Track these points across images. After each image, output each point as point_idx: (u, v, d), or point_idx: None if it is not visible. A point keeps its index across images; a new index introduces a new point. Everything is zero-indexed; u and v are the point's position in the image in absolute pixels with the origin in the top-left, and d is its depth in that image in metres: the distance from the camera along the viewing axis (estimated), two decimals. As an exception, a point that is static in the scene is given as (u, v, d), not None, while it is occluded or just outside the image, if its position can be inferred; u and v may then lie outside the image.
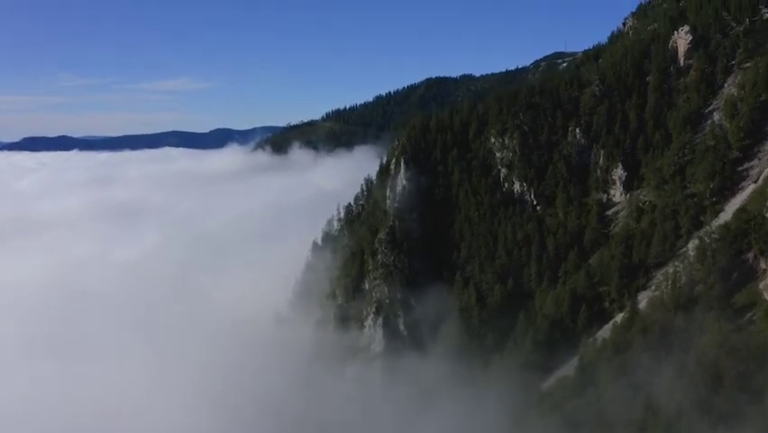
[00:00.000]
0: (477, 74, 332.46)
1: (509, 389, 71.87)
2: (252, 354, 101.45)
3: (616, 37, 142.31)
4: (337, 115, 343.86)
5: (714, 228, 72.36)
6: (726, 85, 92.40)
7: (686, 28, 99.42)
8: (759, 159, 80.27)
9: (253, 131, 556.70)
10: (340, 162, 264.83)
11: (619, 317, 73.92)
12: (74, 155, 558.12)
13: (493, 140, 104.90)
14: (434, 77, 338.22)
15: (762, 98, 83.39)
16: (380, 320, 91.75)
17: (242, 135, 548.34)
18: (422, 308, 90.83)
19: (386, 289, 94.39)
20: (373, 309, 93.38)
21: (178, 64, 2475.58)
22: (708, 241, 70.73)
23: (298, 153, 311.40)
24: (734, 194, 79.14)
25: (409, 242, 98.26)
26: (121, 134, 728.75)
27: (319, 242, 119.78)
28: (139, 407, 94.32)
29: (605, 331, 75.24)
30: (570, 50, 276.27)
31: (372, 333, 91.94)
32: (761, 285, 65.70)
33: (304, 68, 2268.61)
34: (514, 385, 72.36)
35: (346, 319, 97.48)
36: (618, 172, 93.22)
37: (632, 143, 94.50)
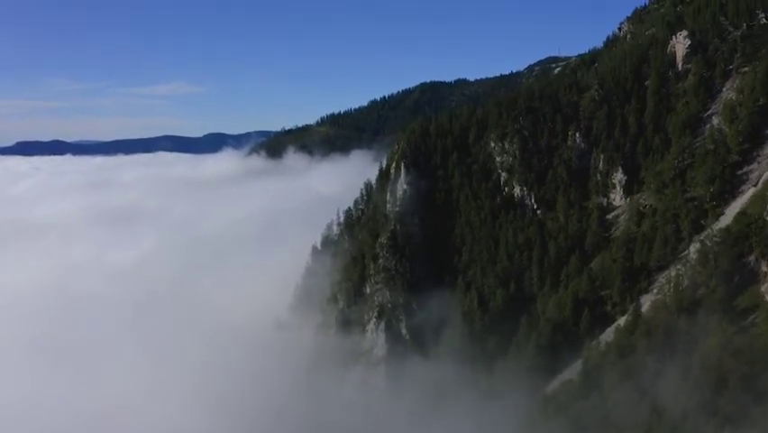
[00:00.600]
0: (471, 79, 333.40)
1: (514, 392, 72.15)
2: (253, 357, 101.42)
3: (612, 41, 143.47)
4: (332, 120, 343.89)
5: (715, 232, 72.77)
6: (724, 89, 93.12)
7: (684, 33, 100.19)
8: (758, 162, 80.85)
9: (247, 135, 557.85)
10: (336, 167, 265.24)
11: (622, 321, 74.34)
12: (68, 159, 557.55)
13: (493, 144, 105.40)
14: (428, 81, 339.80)
15: (760, 102, 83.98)
16: (383, 324, 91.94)
17: (235, 140, 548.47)
18: (424, 313, 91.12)
19: (388, 293, 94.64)
20: (375, 314, 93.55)
21: (171, 69, 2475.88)
22: (709, 244, 71.12)
23: (293, 158, 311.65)
24: (734, 197, 79.66)
25: (410, 246, 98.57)
26: (114, 139, 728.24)
27: (319, 246, 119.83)
28: (137, 411, 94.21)
29: (607, 334, 75.64)
30: (564, 54, 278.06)
31: (375, 337, 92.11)
32: (763, 288, 66.08)
33: (298, 72, 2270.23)
34: (518, 389, 72.61)
35: (348, 324, 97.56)
36: (618, 176, 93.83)
37: (632, 148, 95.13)
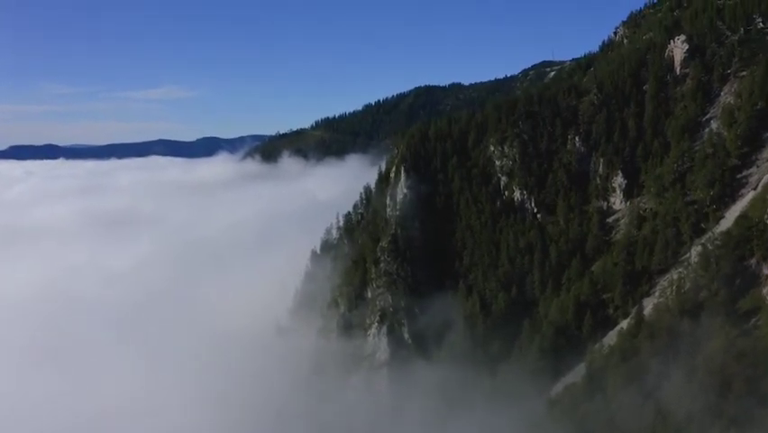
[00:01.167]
0: (466, 83, 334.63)
1: (518, 396, 72.41)
2: (253, 360, 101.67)
3: (608, 46, 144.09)
4: (326, 124, 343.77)
5: (716, 235, 73.38)
6: (722, 93, 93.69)
7: (682, 37, 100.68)
8: (757, 166, 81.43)
9: (241, 139, 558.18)
10: (332, 171, 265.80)
11: (624, 324, 74.70)
12: (61, 164, 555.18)
13: (492, 148, 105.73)
14: (422, 85, 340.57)
15: (758, 107, 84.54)
16: (385, 329, 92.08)
17: (229, 144, 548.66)
18: (426, 317, 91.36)
19: (389, 297, 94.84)
20: (377, 318, 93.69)
21: (164, 73, 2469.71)
22: (710, 247, 71.72)
23: (288, 162, 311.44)
24: (734, 201, 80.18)
25: (411, 250, 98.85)
26: (107, 143, 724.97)
27: (318, 250, 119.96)
28: (136, 413, 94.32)
29: (610, 338, 76.07)
30: (558, 58, 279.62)
31: (377, 341, 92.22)
32: (764, 291, 66.59)
33: (292, 76, 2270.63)
34: (522, 392, 72.92)
35: (349, 328, 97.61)
36: (618, 180, 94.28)
37: (631, 151, 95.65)
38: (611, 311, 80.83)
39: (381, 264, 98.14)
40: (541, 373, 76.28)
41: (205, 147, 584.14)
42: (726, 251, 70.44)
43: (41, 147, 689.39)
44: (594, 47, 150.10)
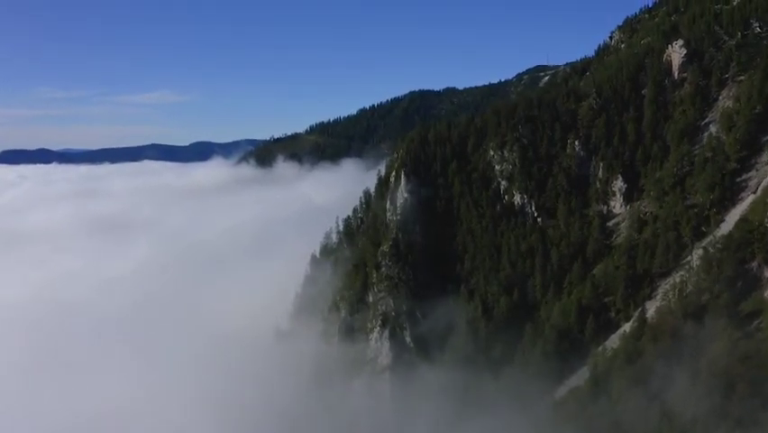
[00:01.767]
0: (460, 87, 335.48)
1: (521, 399, 72.65)
2: (253, 364, 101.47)
3: (603, 50, 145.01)
4: (321, 128, 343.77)
5: (717, 238, 73.92)
6: (720, 98, 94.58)
7: (680, 42, 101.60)
8: (757, 170, 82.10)
9: (235, 144, 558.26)
10: (327, 175, 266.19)
11: (627, 327, 75.15)
12: (54, 168, 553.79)
13: (492, 152, 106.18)
14: (417, 90, 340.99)
15: (757, 110, 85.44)
16: (387, 333, 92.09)
17: (222, 148, 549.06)
18: (428, 320, 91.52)
19: (391, 301, 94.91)
20: (379, 322, 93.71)
21: (157, 77, 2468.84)
22: (712, 251, 72.23)
23: (283, 166, 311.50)
24: (734, 204, 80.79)
25: (413, 254, 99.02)
26: (100, 147, 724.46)
27: (317, 254, 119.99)
28: (135, 415, 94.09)
29: (612, 341, 76.39)
30: (552, 63, 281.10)
31: (379, 346, 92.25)
32: (766, 293, 67.13)
33: (286, 80, 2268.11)
34: (525, 396, 73.14)
35: (351, 332, 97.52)
36: (618, 184, 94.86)
37: (631, 155, 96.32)
38: (613, 314, 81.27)
39: (382, 268, 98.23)
40: (544, 376, 76.44)
41: (199, 151, 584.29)
42: (727, 254, 70.85)
43: (34, 151, 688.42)
44: (589, 51, 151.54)
